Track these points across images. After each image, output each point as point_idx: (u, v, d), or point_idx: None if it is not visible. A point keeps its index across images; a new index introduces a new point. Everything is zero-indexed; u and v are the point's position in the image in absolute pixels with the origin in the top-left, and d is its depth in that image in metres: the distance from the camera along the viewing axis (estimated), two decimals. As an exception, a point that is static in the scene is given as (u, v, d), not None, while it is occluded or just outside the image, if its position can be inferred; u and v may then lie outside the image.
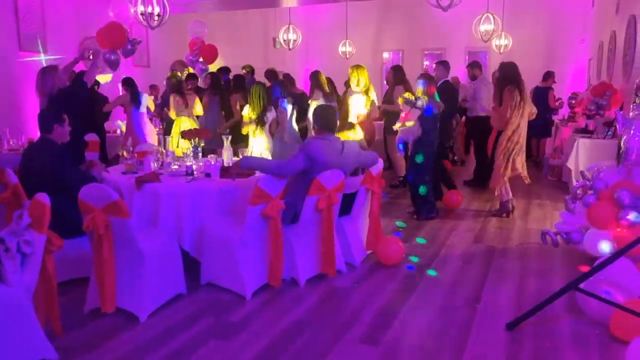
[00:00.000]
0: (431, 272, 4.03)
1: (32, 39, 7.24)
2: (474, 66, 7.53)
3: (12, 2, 6.94)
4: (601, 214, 3.78)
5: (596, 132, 6.58)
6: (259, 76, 8.33)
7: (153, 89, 9.05)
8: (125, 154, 4.23)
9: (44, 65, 5.80)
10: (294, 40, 11.15)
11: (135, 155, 4.33)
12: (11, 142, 5.92)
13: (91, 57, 4.91)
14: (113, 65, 7.30)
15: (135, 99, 6.79)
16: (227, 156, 4.41)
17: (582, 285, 2.98)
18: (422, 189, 5.47)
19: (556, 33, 12.07)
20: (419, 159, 5.42)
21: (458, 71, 12.41)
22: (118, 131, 7.91)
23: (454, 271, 4.08)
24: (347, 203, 4.08)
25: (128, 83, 6.95)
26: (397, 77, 7.06)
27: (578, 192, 4.23)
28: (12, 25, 6.99)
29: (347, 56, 12.78)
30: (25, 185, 3.65)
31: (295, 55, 12.71)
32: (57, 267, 2.87)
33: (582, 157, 6.29)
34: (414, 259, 4.30)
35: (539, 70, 9.71)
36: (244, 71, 8.62)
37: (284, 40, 11.13)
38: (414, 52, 13.76)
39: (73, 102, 4.70)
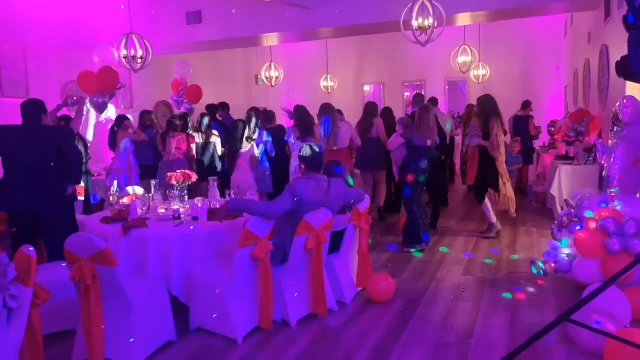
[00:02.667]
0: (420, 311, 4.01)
1: (15, 85, 7.25)
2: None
3: (-6, 50, 6.96)
4: (588, 242, 3.82)
5: (577, 159, 6.71)
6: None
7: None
8: (112, 199, 4.20)
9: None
10: (276, 77, 11.30)
11: (121, 201, 4.30)
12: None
13: (75, 103, 4.93)
14: (101, 109, 7.34)
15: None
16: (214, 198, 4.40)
17: (573, 316, 2.99)
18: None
19: (532, 62, 12.41)
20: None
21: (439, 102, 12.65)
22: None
23: (445, 305, 4.06)
24: (336, 241, 4.08)
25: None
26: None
27: (564, 220, 4.28)
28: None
29: (329, 90, 12.97)
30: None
31: (277, 91, 12.86)
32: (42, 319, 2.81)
33: (565, 183, 6.40)
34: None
35: (517, 99, 9.94)
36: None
37: (266, 78, 11.27)
38: (394, 84, 14.01)
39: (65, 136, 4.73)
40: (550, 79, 12.28)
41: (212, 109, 8.18)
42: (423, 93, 11.81)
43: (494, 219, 6.03)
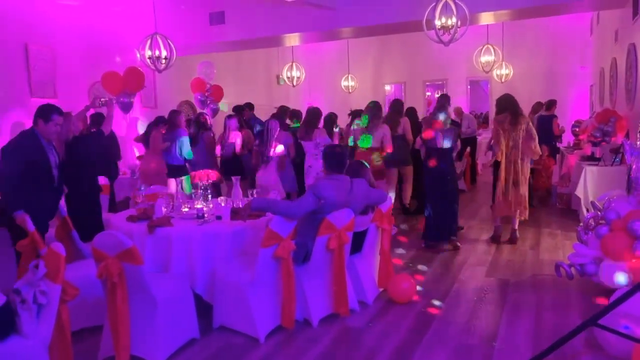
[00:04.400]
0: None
1: (43, 85, 7.41)
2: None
3: (24, 52, 7.13)
4: (615, 245, 3.75)
5: (603, 159, 6.59)
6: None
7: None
8: (137, 198, 4.26)
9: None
10: (298, 77, 11.33)
11: (146, 198, 4.36)
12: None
13: (103, 104, 4.99)
14: (126, 108, 7.45)
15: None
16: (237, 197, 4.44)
17: (600, 320, 2.94)
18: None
19: (556, 61, 12.22)
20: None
21: (460, 101, 12.57)
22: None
23: (467, 307, 4.03)
24: (358, 241, 4.08)
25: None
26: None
27: (590, 223, 4.21)
28: (23, 73, 7.16)
29: (350, 90, 12.96)
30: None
31: (298, 91, 12.90)
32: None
33: (591, 185, 6.28)
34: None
35: (540, 98, 9.81)
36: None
37: (288, 78, 11.30)
38: (415, 83, 13.94)
39: (91, 150, 4.80)
40: (574, 78, 12.08)
41: (239, 110, 8.28)
42: (446, 92, 11.76)
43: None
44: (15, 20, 7.08)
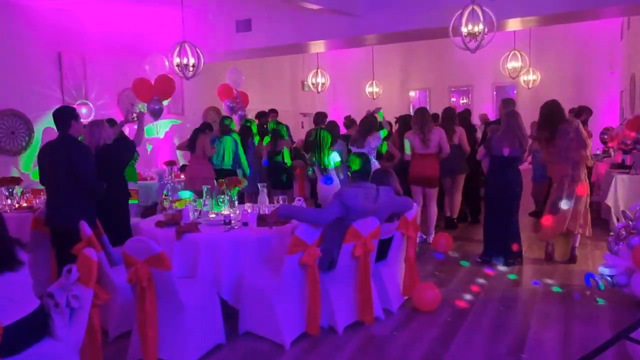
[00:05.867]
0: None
1: (74, 92, 7.61)
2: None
3: (57, 59, 7.34)
4: (647, 256, 3.66)
5: (634, 167, 6.45)
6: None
7: None
8: (165, 204, 4.34)
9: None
10: (322, 84, 11.37)
11: (174, 204, 4.43)
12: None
13: (135, 118, 5.16)
14: (156, 115, 7.62)
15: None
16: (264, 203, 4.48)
17: (633, 334, 2.87)
18: None
19: (584, 66, 12.01)
20: None
21: (486, 108, 12.44)
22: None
23: (494, 317, 3.98)
24: (383, 248, 4.07)
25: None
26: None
27: (621, 232, 4.13)
28: (56, 79, 7.37)
29: (374, 96, 12.95)
30: (44, 181, 4.18)
31: (323, 97, 12.95)
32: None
33: (621, 193, 6.15)
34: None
35: (568, 104, 9.61)
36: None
37: (313, 84, 11.36)
38: (440, 89, 13.84)
39: (122, 157, 4.92)
40: (604, 84, 11.84)
41: (263, 116, 8.38)
42: (464, 97, 11.61)
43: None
44: (50, 29, 7.32)
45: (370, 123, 6.58)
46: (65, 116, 4.08)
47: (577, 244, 5.38)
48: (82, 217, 3.81)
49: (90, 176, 4.03)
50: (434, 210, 6.35)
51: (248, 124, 8.14)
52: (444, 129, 6.43)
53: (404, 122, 7.17)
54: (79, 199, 4.05)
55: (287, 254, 3.44)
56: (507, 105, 6.29)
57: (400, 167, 6.51)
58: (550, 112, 5.27)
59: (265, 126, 8.42)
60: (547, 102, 5.40)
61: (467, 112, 7.98)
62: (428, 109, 7.65)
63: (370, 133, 6.37)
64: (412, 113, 7.34)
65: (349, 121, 8.11)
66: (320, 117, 7.44)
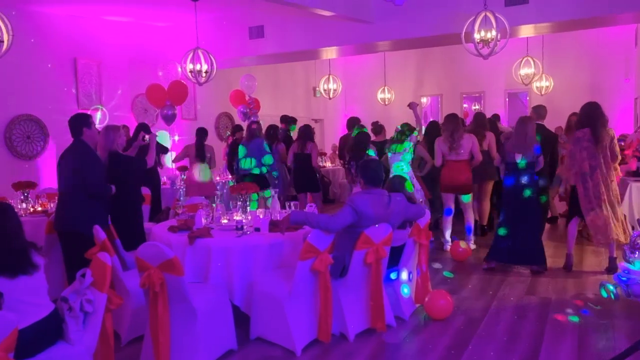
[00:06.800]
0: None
1: (89, 97, 7.70)
2: None
3: (73, 66, 7.44)
4: (663, 265, 3.61)
5: (649, 176, 6.36)
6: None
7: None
8: (178, 210, 4.36)
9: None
10: (334, 90, 11.39)
11: (186, 209, 4.46)
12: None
13: (147, 140, 5.27)
14: (169, 120, 7.70)
15: None
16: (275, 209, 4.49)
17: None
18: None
19: (598, 73, 11.90)
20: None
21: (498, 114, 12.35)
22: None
23: (507, 326, 3.95)
24: (395, 255, 4.06)
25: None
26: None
27: (636, 241, 4.07)
28: (71, 85, 7.47)
29: (386, 102, 12.94)
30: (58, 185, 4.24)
31: (335, 103, 12.97)
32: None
33: (636, 201, 6.05)
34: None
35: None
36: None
37: (325, 90, 11.38)
38: (452, 96, 13.79)
39: (137, 166, 4.99)
40: (618, 91, 11.71)
41: (286, 121, 8.48)
42: (476, 103, 11.55)
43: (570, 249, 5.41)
44: (66, 36, 7.43)
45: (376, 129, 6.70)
46: (77, 123, 4.15)
47: (614, 254, 5.20)
48: (89, 222, 3.85)
49: (95, 184, 4.08)
50: (471, 217, 6.26)
51: (272, 131, 8.08)
52: (475, 135, 6.29)
53: (433, 128, 7.14)
54: (86, 204, 4.08)
55: (299, 260, 3.44)
56: (535, 111, 6.28)
57: (432, 174, 6.51)
58: (588, 114, 5.09)
59: (289, 131, 8.50)
60: (585, 106, 5.23)
61: (496, 117, 7.84)
62: (439, 115, 7.62)
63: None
64: (416, 120, 7.19)
65: (378, 127, 8.04)
66: (355, 120, 7.64)
